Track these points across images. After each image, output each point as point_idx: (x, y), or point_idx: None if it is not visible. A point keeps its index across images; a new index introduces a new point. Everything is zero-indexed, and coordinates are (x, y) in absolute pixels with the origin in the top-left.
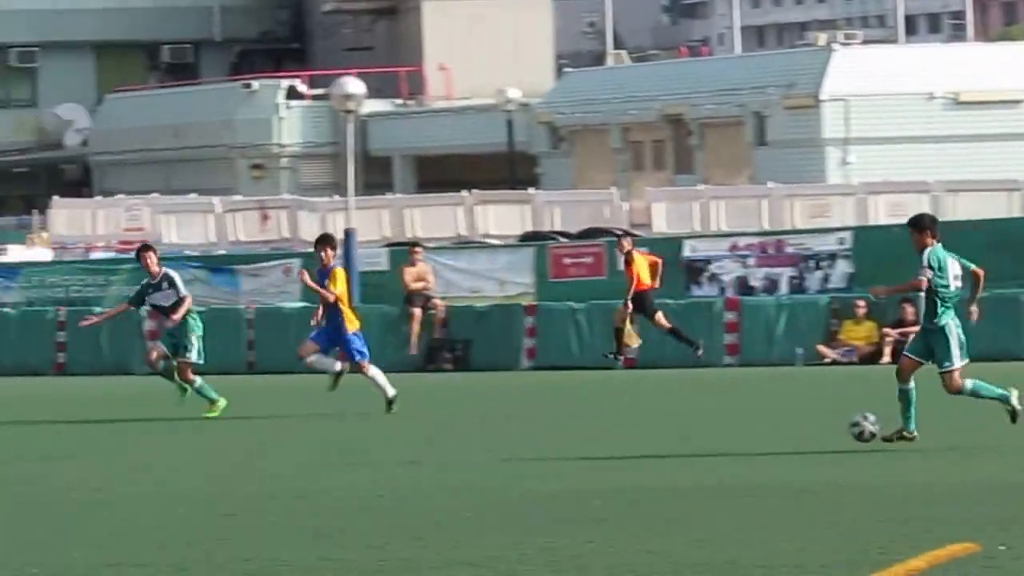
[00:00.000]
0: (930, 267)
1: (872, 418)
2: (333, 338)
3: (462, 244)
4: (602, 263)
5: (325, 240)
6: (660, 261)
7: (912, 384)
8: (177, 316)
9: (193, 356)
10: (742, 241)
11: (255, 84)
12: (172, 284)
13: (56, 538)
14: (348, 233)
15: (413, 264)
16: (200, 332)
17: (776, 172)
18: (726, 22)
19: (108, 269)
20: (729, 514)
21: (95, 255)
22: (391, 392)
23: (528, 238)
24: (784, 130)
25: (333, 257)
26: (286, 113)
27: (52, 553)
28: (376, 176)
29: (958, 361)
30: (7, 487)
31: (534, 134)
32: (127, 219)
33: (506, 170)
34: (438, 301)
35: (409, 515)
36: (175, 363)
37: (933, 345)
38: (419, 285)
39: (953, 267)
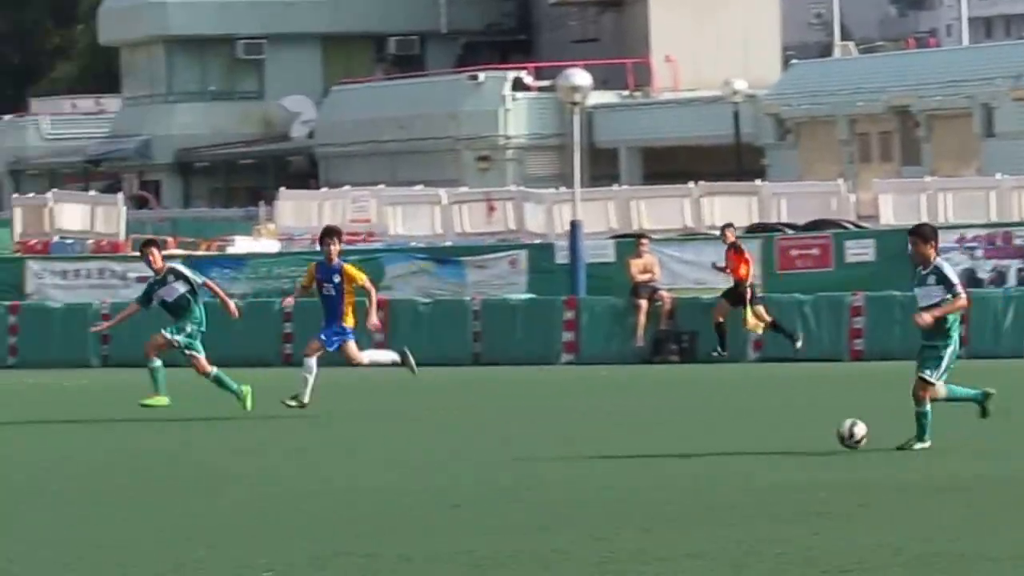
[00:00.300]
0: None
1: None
2: (336, 330)
3: (688, 236)
4: (829, 255)
5: (332, 232)
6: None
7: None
8: (233, 309)
9: (177, 338)
10: (970, 233)
11: (481, 76)
12: (179, 276)
13: (278, 530)
14: (574, 225)
15: (639, 256)
16: (199, 321)
17: (1004, 164)
18: (954, 13)
19: None
20: (956, 507)
21: None
22: (307, 398)
23: (755, 230)
24: (1012, 121)
25: (339, 252)
26: (512, 105)
27: (276, 544)
28: (602, 168)
29: (936, 376)
30: (229, 481)
31: (761, 126)
32: (353, 210)
33: (732, 161)
34: (664, 293)
35: (635, 507)
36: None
37: (925, 354)
38: (645, 277)
39: None
